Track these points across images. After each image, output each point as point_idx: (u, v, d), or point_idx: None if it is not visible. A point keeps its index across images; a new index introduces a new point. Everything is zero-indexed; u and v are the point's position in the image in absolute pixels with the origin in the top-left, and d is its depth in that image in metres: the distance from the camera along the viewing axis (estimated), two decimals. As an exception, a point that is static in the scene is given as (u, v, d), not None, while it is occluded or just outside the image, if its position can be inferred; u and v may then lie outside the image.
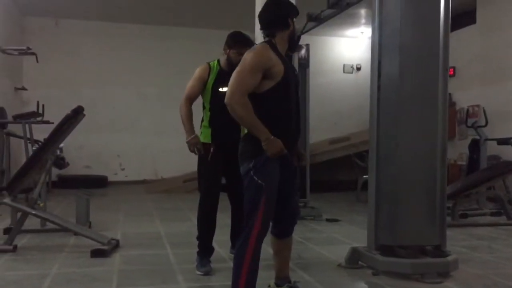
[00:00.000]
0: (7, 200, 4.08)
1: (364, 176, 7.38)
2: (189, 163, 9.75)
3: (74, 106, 4.13)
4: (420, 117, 3.49)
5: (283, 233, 2.84)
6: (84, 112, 4.14)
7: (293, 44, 2.77)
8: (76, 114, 4.06)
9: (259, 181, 2.52)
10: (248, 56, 2.56)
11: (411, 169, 3.45)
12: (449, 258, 3.41)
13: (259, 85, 2.54)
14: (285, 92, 2.62)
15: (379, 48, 3.52)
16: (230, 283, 2.58)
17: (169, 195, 8.43)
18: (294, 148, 2.74)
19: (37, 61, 7.93)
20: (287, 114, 2.66)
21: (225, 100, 2.49)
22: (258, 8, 6.44)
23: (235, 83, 2.51)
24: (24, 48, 7.71)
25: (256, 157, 2.54)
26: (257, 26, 7.06)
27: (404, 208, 3.44)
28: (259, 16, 2.79)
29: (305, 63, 6.24)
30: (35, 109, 7.78)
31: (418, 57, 3.48)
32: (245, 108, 2.49)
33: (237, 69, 2.56)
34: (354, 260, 3.62)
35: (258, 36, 6.48)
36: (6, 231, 4.55)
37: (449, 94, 5.53)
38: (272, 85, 2.56)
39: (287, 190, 2.69)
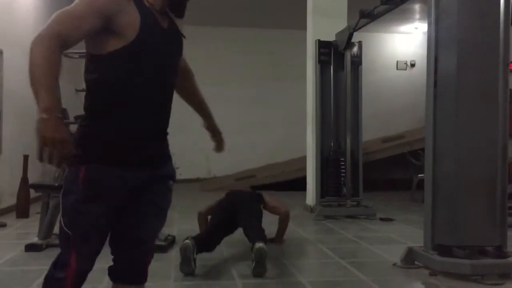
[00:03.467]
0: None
1: (419, 175, 7.20)
2: (241, 162, 9.97)
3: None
4: (479, 114, 3.38)
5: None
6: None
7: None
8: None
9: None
10: None
11: (470, 167, 3.36)
12: (511, 259, 3.29)
13: (96, 40, 1.60)
14: (138, 64, 1.61)
15: (436, 43, 3.44)
16: (279, 279, 2.59)
17: (222, 193, 8.54)
18: (154, 162, 1.79)
19: (96, 64, 8.25)
20: (138, 101, 1.65)
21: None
22: (310, 6, 6.45)
23: (55, 20, 1.53)
24: (84, 51, 8.04)
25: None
26: (310, 26, 7.03)
27: (463, 207, 3.35)
28: None
29: (357, 60, 6.17)
30: (94, 110, 8.09)
31: (476, 51, 3.38)
32: (48, 54, 1.48)
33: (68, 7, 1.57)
34: (410, 260, 3.56)
35: (309, 36, 6.48)
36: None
37: (510, 90, 5.32)
38: (118, 47, 1.59)
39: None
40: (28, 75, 1.48)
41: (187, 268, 3.40)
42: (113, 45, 1.60)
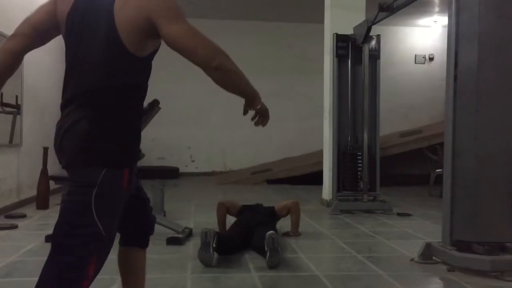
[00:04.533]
0: (89, 188, 4.32)
1: (437, 170, 7.14)
2: (257, 155, 9.99)
3: (148, 99, 4.27)
4: (501, 109, 3.33)
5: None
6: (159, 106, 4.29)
7: None
8: (152, 107, 4.22)
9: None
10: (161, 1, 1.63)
11: (490, 163, 3.32)
12: (531, 256, 3.25)
13: (146, 42, 1.65)
14: (151, 68, 1.78)
15: (456, 36, 3.39)
16: (296, 273, 2.59)
17: (238, 187, 8.59)
18: None
19: (114, 57, 8.32)
20: (143, 101, 1.80)
21: (208, 59, 1.63)
22: (328, 1, 6.41)
23: (198, 34, 1.65)
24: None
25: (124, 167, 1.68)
26: (328, 19, 6.96)
27: (483, 203, 3.31)
28: None
29: (375, 54, 6.10)
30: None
31: (498, 45, 3.32)
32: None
33: (174, 15, 1.62)
34: (428, 255, 3.53)
35: (327, 29, 6.43)
36: (88, 218, 4.84)
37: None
38: (152, 50, 1.71)
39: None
40: (232, 81, 1.72)
41: (205, 253, 3.37)
42: (151, 48, 1.68)
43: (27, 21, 1.83)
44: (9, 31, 5.43)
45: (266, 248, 3.40)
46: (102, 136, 1.62)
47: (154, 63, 1.75)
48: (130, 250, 2.06)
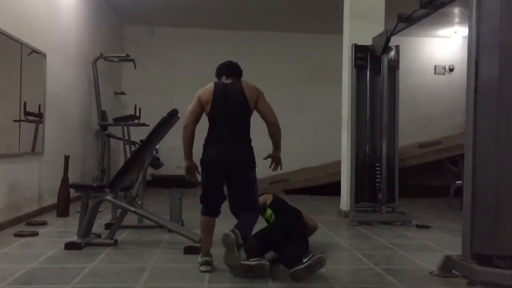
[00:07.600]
0: (109, 197, 4.37)
1: (457, 182, 7.05)
2: (275, 165, 9.95)
3: (167, 109, 4.32)
4: (522, 120, 3.28)
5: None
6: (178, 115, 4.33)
7: None
8: (172, 117, 4.27)
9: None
10: (260, 91, 3.63)
11: (511, 175, 3.26)
12: (554, 271, 3.17)
13: (253, 108, 3.62)
14: None
15: (477, 47, 3.36)
16: (313, 285, 2.58)
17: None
18: None
19: (135, 67, 8.44)
20: None
21: (274, 121, 3.58)
22: (347, 10, 6.41)
23: (272, 108, 3.63)
24: (124, 55, 8.23)
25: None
26: (346, 30, 6.93)
27: (504, 216, 3.25)
28: (235, 66, 3.77)
29: (395, 65, 6.09)
30: (132, 113, 8.28)
31: (520, 56, 3.28)
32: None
33: (264, 99, 3.62)
34: (448, 268, 3.48)
35: (346, 40, 6.44)
36: (107, 226, 4.89)
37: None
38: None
39: None
40: (278, 134, 3.67)
41: (230, 255, 3.30)
42: (252, 112, 3.66)
43: (193, 113, 3.61)
44: (35, 43, 5.59)
45: (305, 260, 3.33)
46: (252, 156, 3.61)
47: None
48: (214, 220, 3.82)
